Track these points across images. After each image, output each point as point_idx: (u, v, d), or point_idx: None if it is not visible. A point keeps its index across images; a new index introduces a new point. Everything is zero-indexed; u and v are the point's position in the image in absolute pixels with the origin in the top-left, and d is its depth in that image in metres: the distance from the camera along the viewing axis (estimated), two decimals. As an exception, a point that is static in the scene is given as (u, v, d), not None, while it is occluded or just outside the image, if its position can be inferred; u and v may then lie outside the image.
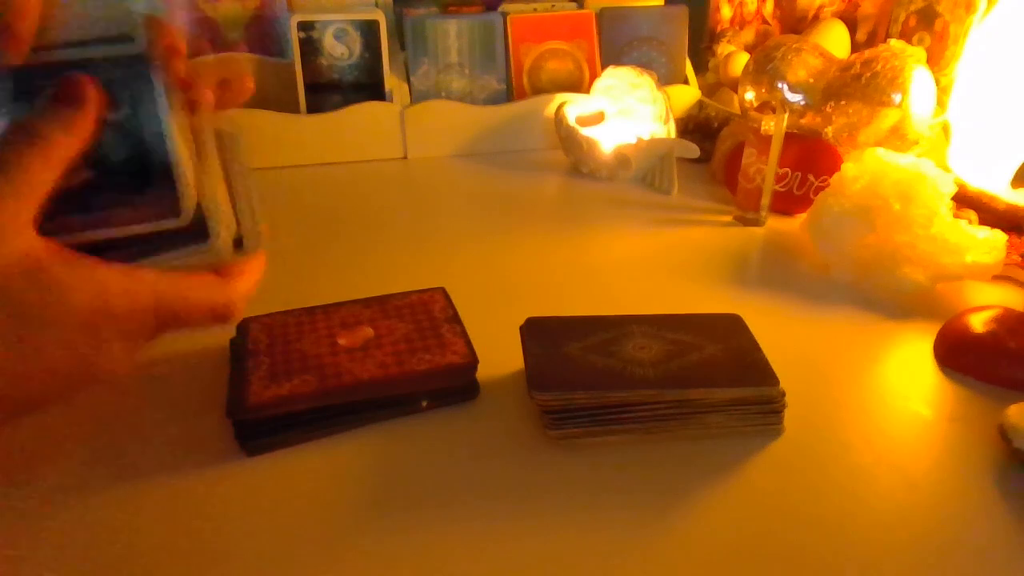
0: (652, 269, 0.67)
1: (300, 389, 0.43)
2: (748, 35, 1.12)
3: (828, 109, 0.75)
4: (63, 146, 0.31)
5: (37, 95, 0.32)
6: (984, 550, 0.37)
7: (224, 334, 0.51)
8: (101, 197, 0.33)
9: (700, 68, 1.09)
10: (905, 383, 0.51)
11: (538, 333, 0.48)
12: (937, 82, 0.75)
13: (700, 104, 1.02)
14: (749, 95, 0.82)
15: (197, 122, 0.36)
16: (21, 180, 0.30)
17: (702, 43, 1.14)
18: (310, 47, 0.92)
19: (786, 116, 0.71)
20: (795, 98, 0.78)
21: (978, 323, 0.53)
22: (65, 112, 0.31)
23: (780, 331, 0.54)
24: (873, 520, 0.39)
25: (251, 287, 0.38)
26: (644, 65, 0.93)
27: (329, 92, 0.94)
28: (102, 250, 0.33)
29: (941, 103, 0.78)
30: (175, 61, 0.34)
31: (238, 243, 0.38)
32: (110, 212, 0.33)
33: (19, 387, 0.31)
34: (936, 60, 0.84)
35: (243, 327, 0.50)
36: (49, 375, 0.31)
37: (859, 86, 0.72)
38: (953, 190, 0.61)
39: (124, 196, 0.33)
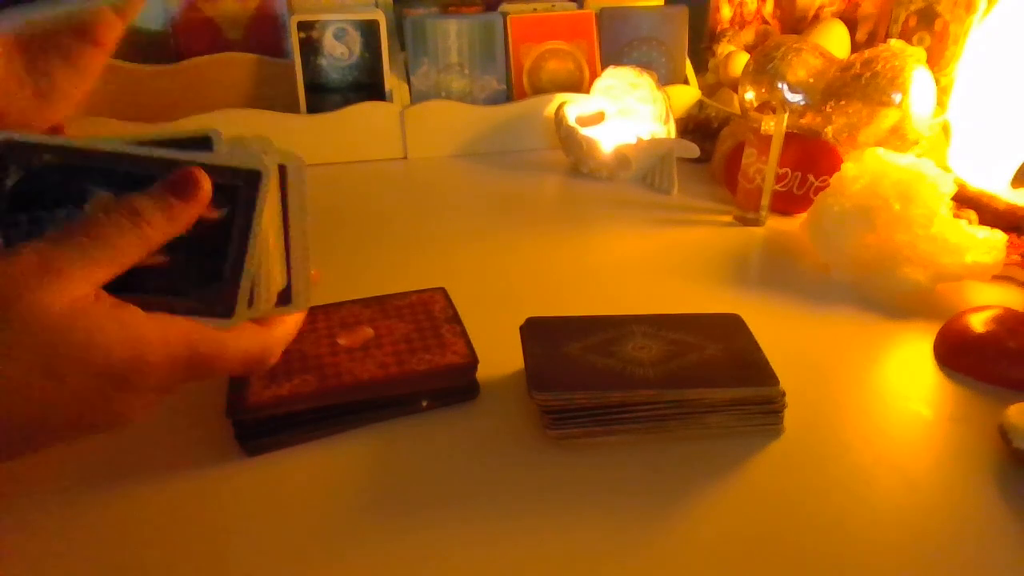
0: (652, 269, 0.67)
1: (300, 389, 0.43)
2: (748, 35, 1.12)
3: (828, 109, 0.75)
4: (160, 232, 0.33)
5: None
6: (984, 550, 0.37)
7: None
8: (164, 280, 0.35)
9: (700, 68, 1.09)
10: (905, 383, 0.51)
11: (538, 333, 0.48)
12: (937, 82, 0.75)
13: (700, 104, 1.02)
14: (749, 95, 0.82)
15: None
16: (110, 253, 0.31)
17: (702, 43, 1.14)
18: (310, 47, 0.92)
19: (786, 116, 0.71)
20: (795, 98, 0.78)
21: (978, 323, 0.53)
22: (172, 201, 0.33)
23: (780, 331, 0.54)
24: (873, 520, 0.39)
25: (292, 333, 0.39)
26: (644, 65, 0.93)
27: (329, 92, 0.94)
28: (131, 285, 0.33)
29: (941, 103, 0.78)
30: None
31: (284, 298, 0.39)
32: (168, 300, 0.34)
33: (39, 423, 0.31)
34: (936, 60, 0.84)
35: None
36: (66, 417, 0.31)
37: (859, 86, 0.72)
38: (953, 190, 0.61)
39: (184, 285, 0.35)
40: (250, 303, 0.36)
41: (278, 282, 0.38)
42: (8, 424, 0.30)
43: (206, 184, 0.34)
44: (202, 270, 0.35)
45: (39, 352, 0.29)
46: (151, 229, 0.32)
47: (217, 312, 0.35)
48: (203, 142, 0.35)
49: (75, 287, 0.30)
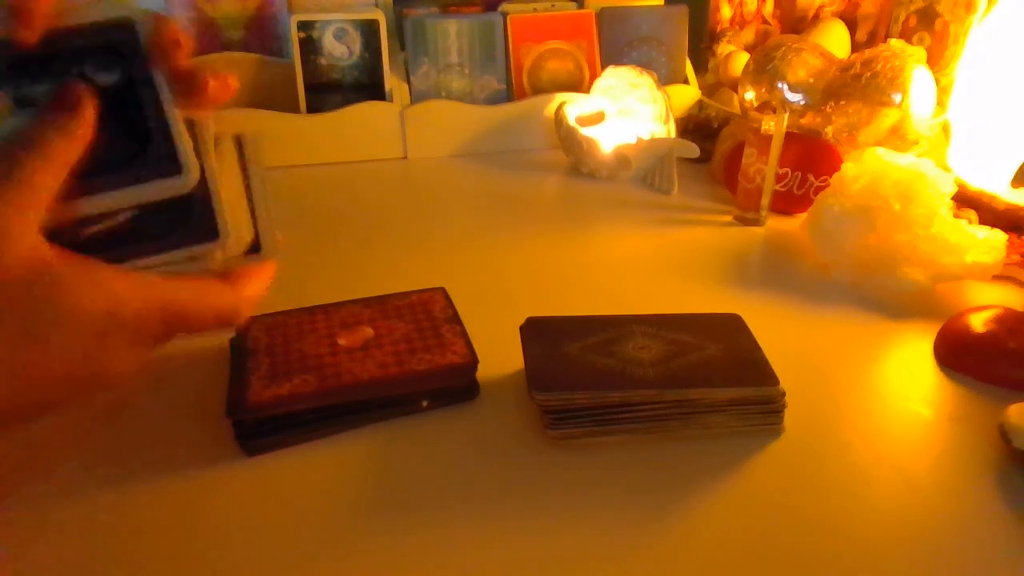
0: (652, 269, 0.67)
1: (300, 389, 0.43)
2: (748, 35, 1.12)
3: (828, 109, 0.75)
4: (62, 151, 0.32)
5: (40, 83, 0.33)
6: (984, 550, 0.37)
7: (224, 334, 0.51)
8: (116, 177, 0.34)
9: (700, 68, 1.09)
10: (905, 383, 0.51)
11: (538, 333, 0.48)
12: (937, 82, 0.75)
13: (700, 104, 1.02)
14: (749, 95, 0.82)
15: (205, 116, 0.36)
16: (23, 186, 0.31)
17: (702, 43, 1.14)
18: (310, 47, 0.92)
19: (786, 116, 0.71)
20: (795, 98, 0.78)
21: (978, 323, 0.53)
22: (62, 118, 0.32)
23: (780, 331, 0.54)
24: (873, 520, 0.39)
25: (260, 292, 0.39)
26: (644, 65, 0.93)
27: (329, 92, 0.94)
28: (107, 244, 0.33)
29: (941, 103, 0.78)
30: (178, 54, 0.35)
31: (254, 248, 0.39)
32: (116, 177, 0.34)
33: (26, 390, 0.31)
34: (936, 60, 0.84)
35: (243, 327, 0.50)
36: (56, 378, 0.31)
37: (859, 86, 0.72)
38: (953, 190, 0.61)
39: (127, 163, 0.34)
40: (223, 233, 0.36)
41: (246, 232, 0.38)
42: (3, 394, 0.30)
43: (84, 92, 0.33)
44: (131, 137, 0.34)
45: (13, 319, 0.29)
46: (55, 153, 0.32)
47: (164, 171, 0.34)
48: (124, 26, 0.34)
49: (19, 241, 0.30)
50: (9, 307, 0.29)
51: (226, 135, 0.38)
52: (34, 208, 0.31)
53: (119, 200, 0.34)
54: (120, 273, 0.32)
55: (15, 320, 0.29)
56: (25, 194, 0.30)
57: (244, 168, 0.39)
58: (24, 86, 0.33)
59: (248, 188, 0.39)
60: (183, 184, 0.34)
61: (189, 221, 0.35)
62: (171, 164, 0.34)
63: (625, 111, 0.90)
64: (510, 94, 0.99)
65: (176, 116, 0.34)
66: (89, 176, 0.33)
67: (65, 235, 0.32)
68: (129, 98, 0.34)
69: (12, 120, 0.33)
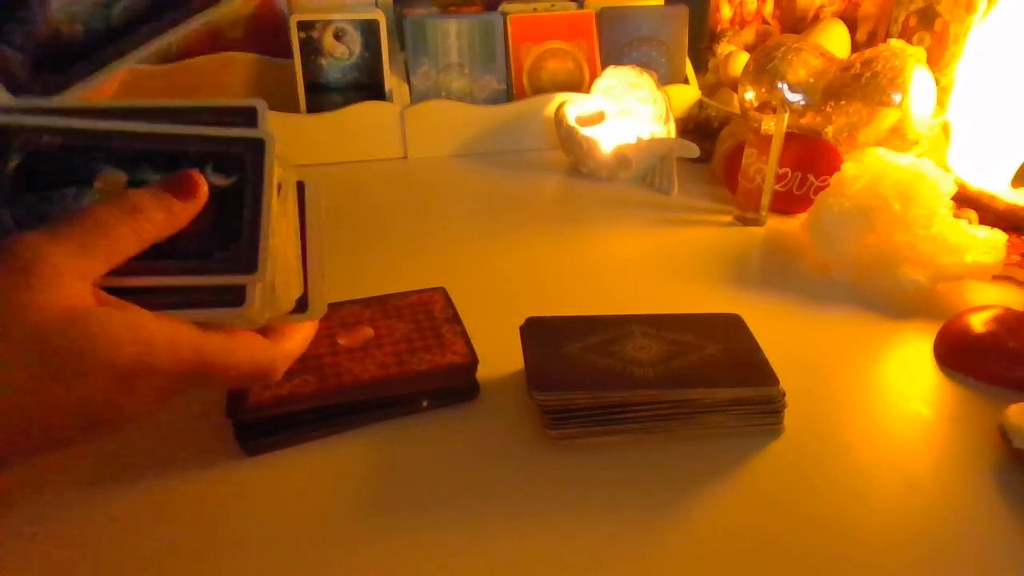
0: (652, 269, 0.67)
1: (300, 389, 0.43)
2: (748, 35, 1.12)
3: (828, 109, 0.75)
4: (157, 228, 0.33)
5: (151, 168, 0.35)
6: (984, 550, 0.37)
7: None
8: (186, 247, 0.35)
9: (700, 68, 1.09)
10: (905, 383, 0.51)
11: (538, 333, 0.48)
12: (937, 82, 0.75)
13: (700, 104, 1.02)
14: (749, 95, 0.82)
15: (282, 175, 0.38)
16: (104, 244, 0.31)
17: (702, 43, 1.14)
18: (310, 47, 0.92)
19: (786, 116, 0.71)
20: (795, 98, 0.78)
21: (978, 323, 0.53)
22: (171, 200, 0.34)
23: (780, 331, 0.54)
24: (873, 520, 0.39)
25: (300, 349, 0.39)
26: (644, 65, 0.93)
27: (329, 92, 0.94)
28: (145, 293, 0.34)
29: (941, 103, 0.78)
30: None
31: (301, 304, 0.39)
32: (192, 265, 0.35)
33: (42, 426, 0.31)
34: (936, 60, 0.84)
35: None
36: (74, 418, 0.31)
37: (859, 86, 0.72)
38: (953, 190, 0.61)
39: (207, 249, 0.35)
40: (270, 289, 0.36)
41: (295, 289, 0.39)
42: (17, 428, 0.30)
43: (204, 186, 0.35)
44: (221, 233, 0.35)
45: (44, 356, 0.29)
46: (149, 225, 0.33)
47: (240, 268, 0.35)
48: (247, 112, 0.37)
49: (71, 283, 0.30)
50: (42, 346, 0.29)
51: (290, 184, 0.39)
52: (97, 261, 0.31)
53: (185, 282, 0.35)
54: (157, 320, 0.32)
55: (46, 359, 0.29)
56: (99, 251, 0.31)
57: (301, 219, 0.40)
58: (143, 172, 0.35)
59: (304, 242, 0.40)
60: (251, 282, 0.35)
61: (232, 247, 0.36)
62: (248, 264, 0.35)
63: (625, 111, 0.90)
64: (510, 94, 0.99)
65: (269, 227, 0.36)
66: (167, 256, 0.34)
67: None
68: (230, 196, 0.36)
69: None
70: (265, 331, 0.38)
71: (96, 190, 0.34)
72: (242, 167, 0.36)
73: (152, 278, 0.34)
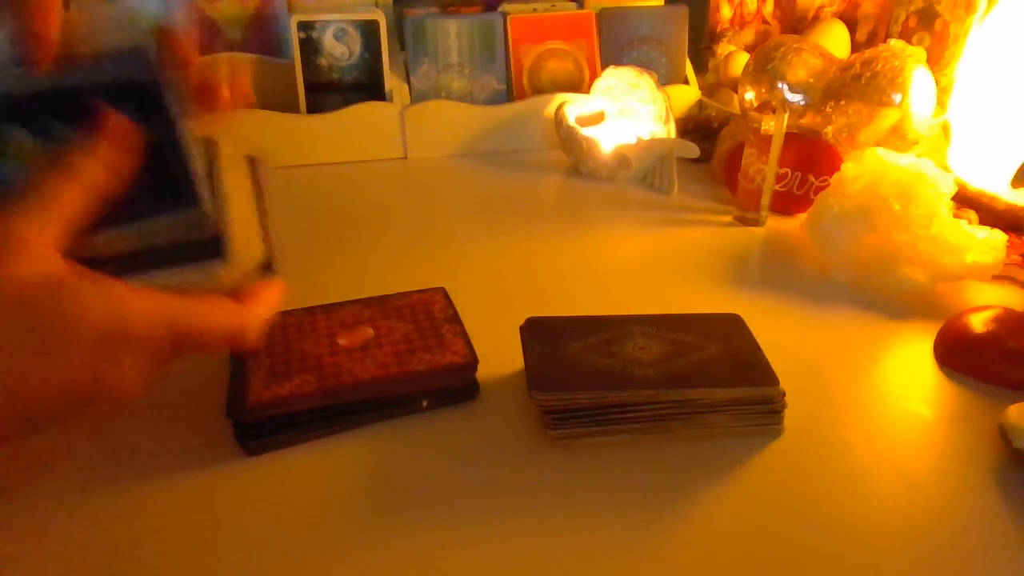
0: (652, 269, 0.67)
1: (300, 389, 0.43)
2: (748, 35, 1.12)
3: (828, 109, 0.75)
4: (92, 174, 0.33)
5: (54, 119, 0.33)
6: (984, 550, 0.37)
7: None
8: (132, 208, 0.34)
9: (700, 68, 1.09)
10: (905, 383, 0.51)
11: (538, 333, 0.48)
12: (937, 82, 0.75)
13: (700, 104, 1.02)
14: (749, 95, 0.82)
15: (217, 132, 0.37)
16: (51, 204, 0.31)
17: (702, 43, 1.14)
18: (310, 47, 0.92)
19: (786, 116, 0.71)
20: (795, 98, 0.78)
21: (978, 323, 0.53)
22: (94, 142, 0.33)
23: (780, 331, 0.54)
24: (873, 520, 0.39)
25: (269, 311, 0.39)
26: (644, 65, 0.93)
27: (329, 92, 0.94)
28: (117, 261, 0.34)
29: (941, 103, 0.78)
30: (188, 71, 0.35)
31: (267, 267, 0.39)
32: (142, 223, 0.34)
33: (27, 400, 0.31)
34: (936, 60, 0.84)
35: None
36: (62, 391, 0.31)
37: (859, 86, 0.72)
38: (953, 190, 0.61)
39: (154, 207, 0.35)
40: (229, 255, 0.36)
41: (258, 250, 0.39)
42: (5, 407, 0.30)
43: (110, 117, 0.33)
44: (161, 188, 0.35)
45: (24, 330, 0.29)
46: (90, 178, 0.33)
47: (181, 204, 0.35)
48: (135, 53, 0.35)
49: (40, 253, 0.30)
50: (17, 317, 0.29)
51: (240, 155, 0.39)
52: (56, 225, 0.31)
53: (133, 234, 0.34)
54: (130, 289, 0.32)
55: (22, 330, 0.29)
56: (50, 211, 0.31)
57: (257, 187, 0.40)
58: (44, 124, 0.34)
59: (261, 208, 0.40)
60: (197, 215, 0.35)
61: (198, 239, 0.35)
62: (187, 197, 0.35)
63: (625, 111, 0.90)
64: (510, 94, 0.99)
65: (191, 147, 0.35)
66: (120, 223, 0.34)
67: (74, 246, 0.32)
68: (141, 127, 0.34)
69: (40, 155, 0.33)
70: (235, 296, 0.37)
71: (2, 154, 0.33)
72: (137, 87, 0.34)
73: (109, 245, 0.34)
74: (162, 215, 0.35)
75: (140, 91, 0.34)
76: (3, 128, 0.33)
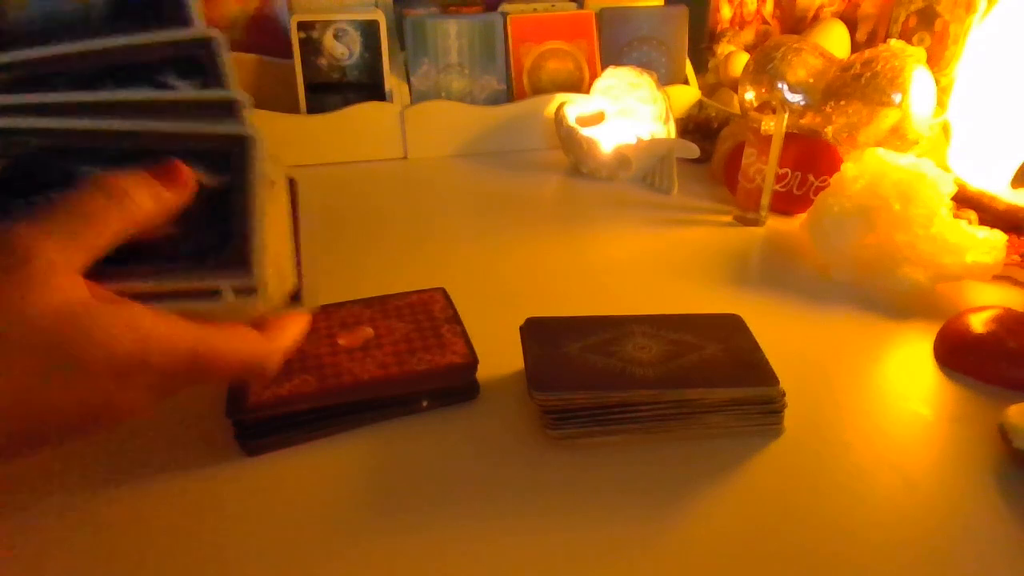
0: (652, 269, 0.67)
1: (300, 389, 0.43)
2: (748, 35, 1.12)
3: (828, 109, 0.75)
4: (145, 214, 0.32)
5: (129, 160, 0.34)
6: (984, 550, 0.37)
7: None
8: (178, 250, 0.35)
9: (700, 68, 1.09)
10: (905, 383, 0.51)
11: (538, 333, 0.48)
12: (937, 82, 0.75)
13: (700, 104, 1.02)
14: (749, 95, 0.82)
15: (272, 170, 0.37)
16: (92, 230, 0.31)
17: (702, 43, 1.14)
18: (310, 47, 0.92)
19: (786, 116, 0.71)
20: (795, 98, 0.78)
21: (978, 323, 0.53)
22: (158, 184, 0.33)
23: (780, 331, 0.54)
24: (873, 520, 0.39)
25: (294, 343, 0.39)
26: (644, 65, 0.93)
27: (329, 92, 0.94)
28: (142, 258, 0.33)
29: (941, 103, 0.78)
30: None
31: (295, 298, 0.39)
32: (186, 267, 0.34)
33: (43, 423, 0.31)
34: (936, 60, 0.84)
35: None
36: (75, 414, 0.31)
37: (859, 86, 0.72)
38: (953, 190, 0.61)
39: (200, 252, 0.35)
40: (263, 284, 0.36)
41: (289, 283, 0.39)
42: (14, 428, 0.30)
43: (190, 174, 0.34)
44: (212, 235, 0.35)
45: (43, 355, 0.29)
46: (136, 210, 0.32)
47: (233, 271, 0.35)
48: (228, 105, 0.36)
49: (65, 277, 0.30)
50: (39, 342, 0.29)
51: (281, 177, 0.39)
52: (87, 250, 0.31)
53: (178, 286, 0.34)
54: (152, 314, 0.32)
55: (43, 355, 0.29)
56: (87, 238, 0.31)
57: (294, 214, 0.40)
58: (117, 162, 0.34)
59: (296, 236, 0.40)
60: (248, 284, 0.35)
61: (224, 252, 0.35)
62: (241, 266, 0.35)
63: (625, 111, 0.90)
64: (510, 94, 0.99)
65: (261, 226, 0.35)
66: (159, 258, 0.34)
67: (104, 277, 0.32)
68: (219, 196, 0.35)
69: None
70: (258, 327, 0.37)
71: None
72: (229, 165, 0.35)
73: (145, 284, 0.33)
74: (214, 275, 0.34)
75: (233, 171, 0.35)
76: (86, 167, 0.34)
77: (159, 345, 0.32)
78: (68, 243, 0.30)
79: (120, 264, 0.33)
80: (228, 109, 0.36)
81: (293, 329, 0.39)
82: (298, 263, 0.40)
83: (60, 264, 0.30)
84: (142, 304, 0.32)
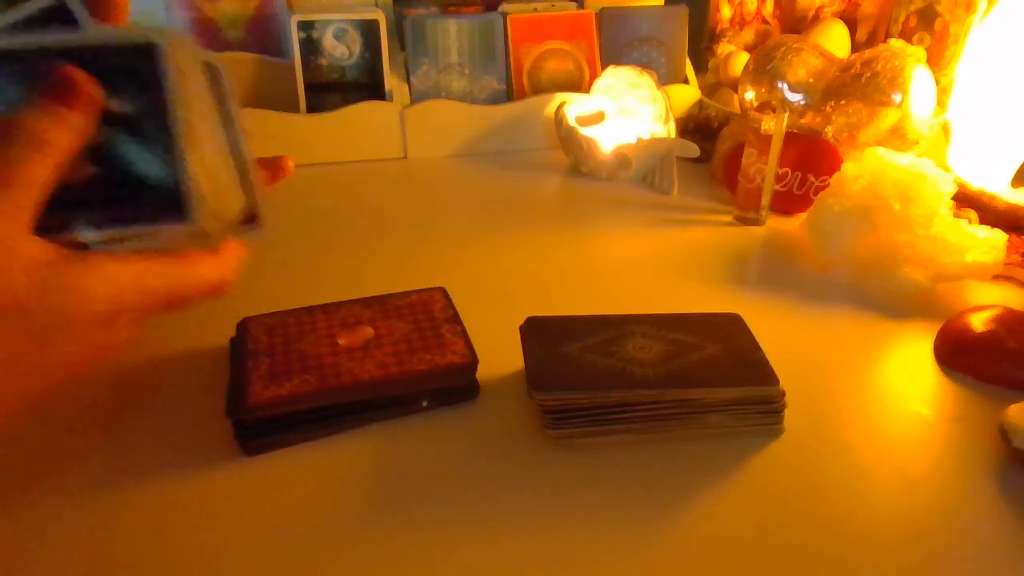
0: (652, 269, 0.67)
1: (300, 389, 0.43)
2: (748, 35, 1.12)
3: (828, 109, 0.75)
4: (62, 145, 0.30)
5: (34, 81, 0.30)
6: (984, 550, 0.37)
7: (224, 334, 0.51)
8: (104, 193, 0.32)
9: (700, 68, 1.09)
10: (905, 383, 0.51)
11: (538, 333, 0.48)
12: (937, 82, 0.75)
13: (700, 104, 1.02)
14: (749, 95, 0.82)
15: (161, 33, 0.31)
16: (20, 184, 0.29)
17: (702, 43, 1.14)
18: (310, 47, 0.92)
19: (786, 116, 0.71)
20: (795, 98, 0.78)
21: (978, 323, 0.53)
22: (61, 108, 0.30)
23: (780, 331, 0.54)
24: (873, 520, 0.39)
25: (240, 258, 0.37)
26: (644, 65, 0.93)
27: (329, 92, 0.94)
28: (74, 210, 0.31)
29: (941, 103, 0.78)
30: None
31: (250, 220, 0.37)
32: (116, 210, 0.32)
33: (32, 384, 0.31)
34: (936, 60, 0.84)
35: (243, 327, 0.50)
36: (62, 369, 0.31)
37: (859, 86, 0.72)
38: (953, 190, 0.61)
39: (129, 192, 0.32)
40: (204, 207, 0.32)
41: (234, 199, 0.35)
42: (8, 393, 0.30)
43: (87, 81, 0.30)
44: (140, 168, 0.32)
45: (24, 321, 0.29)
46: (51, 146, 0.30)
47: (169, 212, 0.32)
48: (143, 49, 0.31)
49: (23, 238, 0.29)
50: (17, 317, 0.29)
51: (197, 65, 0.32)
52: (29, 208, 0.30)
53: (115, 234, 0.32)
54: (119, 260, 0.32)
55: (24, 328, 0.29)
56: (20, 193, 0.29)
57: (225, 113, 0.34)
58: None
59: (233, 140, 0.35)
60: (187, 229, 0.32)
61: (156, 194, 0.32)
62: (177, 211, 0.32)
63: (625, 111, 0.90)
64: (510, 94, 0.99)
65: (189, 157, 0.32)
66: (87, 207, 0.32)
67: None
68: (139, 126, 0.31)
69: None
70: (212, 249, 0.36)
71: None
72: (136, 80, 0.31)
73: (86, 236, 0.32)
74: (152, 219, 0.32)
75: (144, 89, 0.31)
76: None
77: (131, 288, 0.32)
78: (5, 207, 0.29)
79: (56, 215, 0.30)
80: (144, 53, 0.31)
81: (237, 249, 0.37)
82: (245, 179, 0.35)
83: (7, 233, 0.29)
84: (103, 252, 0.31)
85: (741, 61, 0.98)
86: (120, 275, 0.32)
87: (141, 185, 0.32)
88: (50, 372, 0.31)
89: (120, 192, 0.32)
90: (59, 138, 0.30)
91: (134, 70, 0.31)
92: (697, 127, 0.96)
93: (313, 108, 0.93)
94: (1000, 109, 0.70)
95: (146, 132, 0.31)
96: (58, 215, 0.31)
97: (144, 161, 0.32)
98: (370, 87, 0.95)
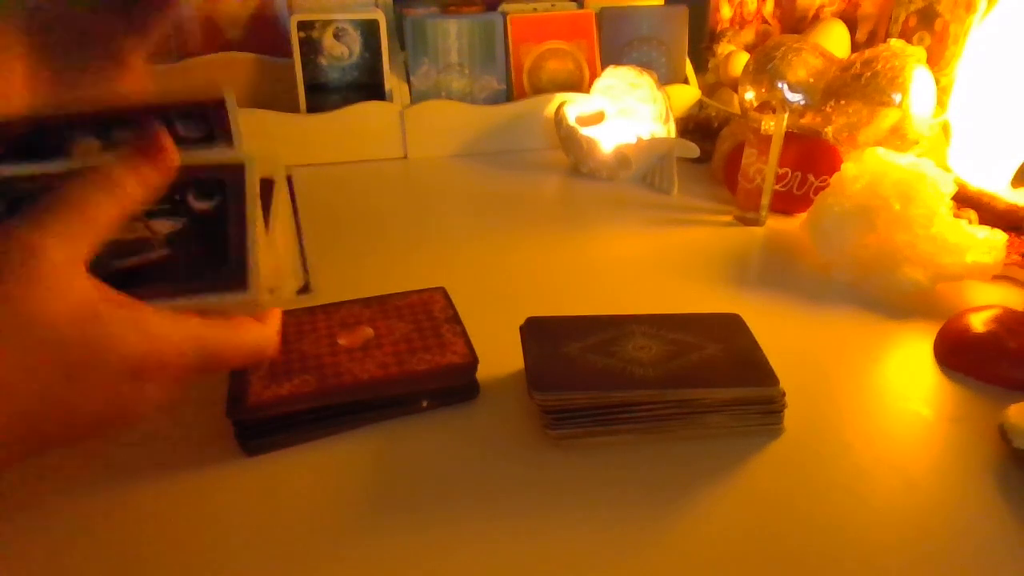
0: (652, 269, 0.67)
1: (300, 389, 0.43)
2: (748, 35, 1.12)
3: (828, 109, 0.75)
4: (133, 196, 0.33)
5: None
6: (984, 550, 0.37)
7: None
8: (176, 272, 0.36)
9: (700, 68, 1.09)
10: (905, 383, 0.51)
11: (538, 333, 0.48)
12: (937, 82, 0.75)
13: (700, 104, 1.02)
14: (749, 95, 0.82)
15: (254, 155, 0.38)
16: (87, 220, 0.31)
17: (702, 43, 1.14)
18: (310, 47, 0.92)
19: (786, 116, 0.71)
20: (795, 98, 0.78)
21: (978, 323, 0.53)
22: (143, 164, 0.33)
23: (780, 331, 0.54)
24: (873, 520, 0.39)
25: (279, 326, 0.40)
26: (644, 65, 0.93)
27: (329, 92, 0.94)
28: (142, 282, 0.34)
29: (941, 103, 0.78)
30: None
31: (303, 289, 0.42)
32: (186, 286, 0.35)
33: (55, 426, 0.31)
34: (936, 60, 0.84)
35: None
36: (87, 416, 0.31)
37: (859, 86, 0.72)
38: (953, 190, 0.61)
39: (198, 271, 0.36)
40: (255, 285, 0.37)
41: (295, 281, 0.41)
42: (31, 431, 0.30)
43: (173, 150, 0.34)
44: (207, 258, 0.36)
45: (54, 361, 0.29)
46: (124, 194, 0.32)
47: (232, 287, 0.35)
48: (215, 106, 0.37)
49: (72, 278, 0.30)
50: (55, 347, 0.29)
51: (281, 178, 0.40)
52: (87, 244, 0.31)
53: (185, 305, 0.35)
54: (161, 314, 0.32)
55: (59, 360, 0.29)
56: (86, 231, 0.31)
57: (294, 209, 0.41)
58: (108, 131, 0.36)
59: (299, 231, 0.42)
60: (244, 299, 0.36)
61: (222, 269, 0.36)
62: (240, 283, 0.35)
63: (625, 111, 0.90)
64: (510, 94, 0.99)
65: (257, 244, 0.36)
66: (159, 280, 0.35)
67: (98, 265, 0.32)
68: (214, 219, 0.36)
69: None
70: (256, 316, 0.38)
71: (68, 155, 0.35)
72: (223, 188, 0.37)
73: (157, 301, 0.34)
74: (209, 294, 0.35)
75: (226, 195, 0.37)
76: (72, 130, 0.35)
77: (167, 345, 0.32)
78: (68, 239, 0.30)
79: (120, 288, 0.33)
80: (214, 110, 0.37)
81: (275, 317, 0.40)
82: (302, 256, 0.42)
83: (65, 262, 0.30)
84: (148, 304, 0.32)
85: (741, 61, 0.98)
86: (158, 329, 0.32)
87: (207, 264, 0.36)
88: (75, 414, 0.31)
89: (188, 271, 0.36)
90: (132, 188, 0.33)
91: (222, 179, 0.37)
92: (697, 127, 0.96)
93: (313, 108, 0.93)
94: (1000, 109, 0.70)
95: (223, 224, 0.36)
96: (129, 290, 0.33)
97: (215, 246, 0.36)
98: (370, 87, 0.95)
